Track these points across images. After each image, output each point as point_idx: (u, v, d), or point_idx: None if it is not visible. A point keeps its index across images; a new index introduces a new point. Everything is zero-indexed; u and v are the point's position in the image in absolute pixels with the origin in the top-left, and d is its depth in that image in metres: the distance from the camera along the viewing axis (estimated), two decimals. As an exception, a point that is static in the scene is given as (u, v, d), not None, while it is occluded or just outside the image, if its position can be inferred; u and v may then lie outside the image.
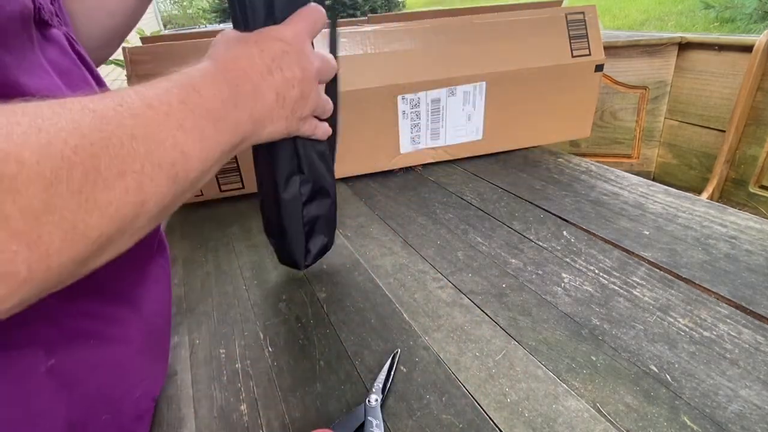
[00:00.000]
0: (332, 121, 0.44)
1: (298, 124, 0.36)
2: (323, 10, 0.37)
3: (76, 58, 0.28)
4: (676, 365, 0.36)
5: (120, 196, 0.20)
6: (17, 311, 0.18)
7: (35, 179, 0.16)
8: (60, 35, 0.28)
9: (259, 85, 0.30)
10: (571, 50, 0.74)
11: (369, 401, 0.34)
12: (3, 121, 0.16)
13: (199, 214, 0.69)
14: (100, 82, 0.32)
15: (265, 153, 0.43)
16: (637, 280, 0.45)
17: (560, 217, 0.58)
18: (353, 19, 0.70)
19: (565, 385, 0.35)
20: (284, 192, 0.44)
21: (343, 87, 0.67)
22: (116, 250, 0.22)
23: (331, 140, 0.45)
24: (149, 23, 5.79)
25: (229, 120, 0.27)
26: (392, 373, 0.37)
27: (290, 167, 0.44)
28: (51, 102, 0.19)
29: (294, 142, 0.42)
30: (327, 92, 0.41)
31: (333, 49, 0.42)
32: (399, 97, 0.70)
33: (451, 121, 0.74)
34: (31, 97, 0.19)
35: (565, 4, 0.75)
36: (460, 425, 0.33)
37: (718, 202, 0.75)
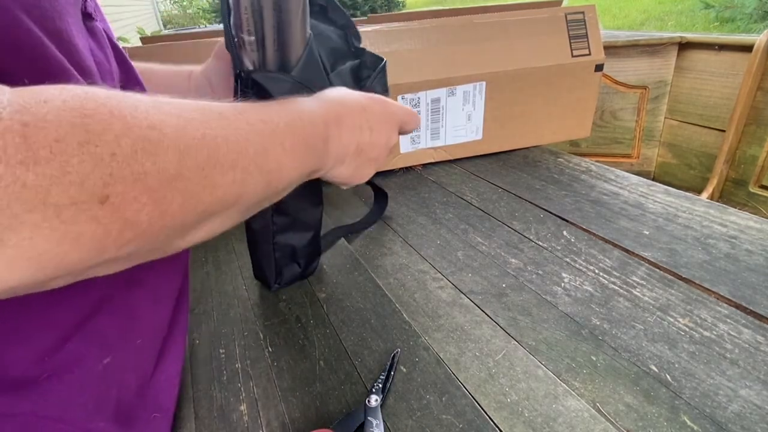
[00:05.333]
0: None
1: (358, 176, 0.39)
2: (419, 121, 0.42)
3: (110, 53, 0.30)
4: (676, 365, 0.36)
5: (228, 182, 0.23)
6: (122, 268, 0.21)
7: (172, 148, 0.20)
8: (100, 29, 0.30)
9: (350, 134, 0.35)
10: (571, 50, 0.74)
11: (369, 401, 0.34)
12: (150, 102, 0.20)
13: (199, 214, 0.68)
14: (130, 77, 0.33)
15: None
16: (637, 280, 0.45)
17: (560, 217, 0.58)
18: (353, 19, 0.70)
19: (565, 385, 0.35)
20: (253, 221, 0.45)
21: (343, 87, 0.68)
22: (206, 232, 0.25)
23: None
24: (149, 23, 5.78)
25: (317, 150, 0.32)
26: (392, 373, 0.37)
27: None
28: (185, 100, 0.23)
29: None
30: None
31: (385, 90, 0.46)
32: (399, 97, 0.70)
33: (451, 120, 0.74)
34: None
35: (565, 4, 0.75)
36: (460, 425, 0.33)
37: (718, 201, 0.75)
